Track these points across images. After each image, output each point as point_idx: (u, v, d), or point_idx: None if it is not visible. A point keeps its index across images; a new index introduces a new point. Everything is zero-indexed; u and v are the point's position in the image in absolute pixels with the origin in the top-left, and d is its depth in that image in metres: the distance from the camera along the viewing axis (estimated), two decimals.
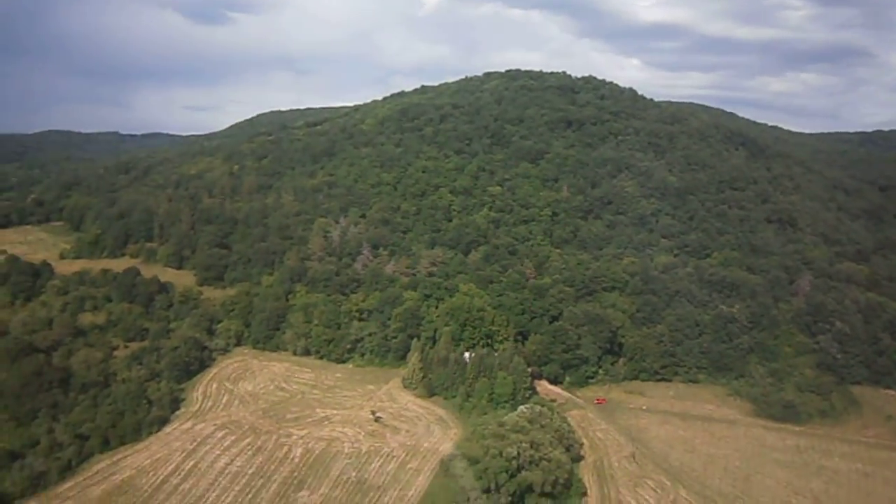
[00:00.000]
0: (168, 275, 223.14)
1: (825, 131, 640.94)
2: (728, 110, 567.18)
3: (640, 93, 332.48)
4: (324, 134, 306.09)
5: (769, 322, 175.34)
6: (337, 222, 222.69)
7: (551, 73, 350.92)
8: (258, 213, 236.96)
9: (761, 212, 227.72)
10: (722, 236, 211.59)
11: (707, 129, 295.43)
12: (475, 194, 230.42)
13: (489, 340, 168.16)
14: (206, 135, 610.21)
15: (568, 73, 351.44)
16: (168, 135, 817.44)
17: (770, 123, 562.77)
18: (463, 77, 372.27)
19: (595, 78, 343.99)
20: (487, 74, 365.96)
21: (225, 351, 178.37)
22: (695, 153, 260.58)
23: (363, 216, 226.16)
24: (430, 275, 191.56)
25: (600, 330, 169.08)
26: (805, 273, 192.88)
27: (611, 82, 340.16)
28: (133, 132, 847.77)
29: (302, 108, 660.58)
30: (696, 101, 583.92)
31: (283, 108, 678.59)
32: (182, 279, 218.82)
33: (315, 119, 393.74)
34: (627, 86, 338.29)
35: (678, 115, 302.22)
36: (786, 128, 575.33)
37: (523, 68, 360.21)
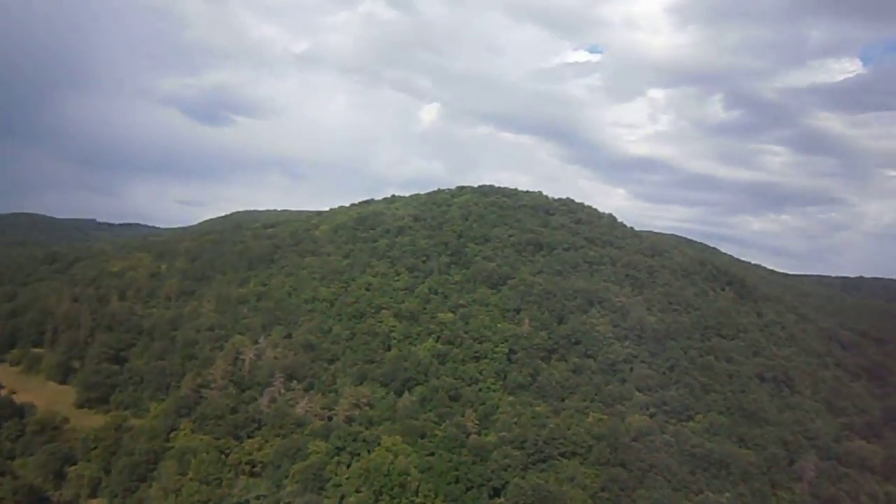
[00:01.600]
0: (43, 391, 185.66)
1: (806, 273, 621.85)
2: (710, 245, 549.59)
3: (619, 220, 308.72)
4: (271, 238, 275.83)
5: None
6: (255, 342, 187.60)
7: (526, 191, 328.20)
8: (167, 324, 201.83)
9: (753, 366, 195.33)
10: (707, 394, 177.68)
11: (691, 265, 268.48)
12: (422, 321, 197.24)
13: None
14: (182, 227, 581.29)
15: (545, 193, 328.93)
16: (146, 225, 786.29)
17: (751, 262, 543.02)
18: (435, 189, 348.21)
19: (572, 200, 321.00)
20: (460, 188, 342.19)
21: None
22: (677, 291, 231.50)
23: (288, 336, 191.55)
24: (349, 420, 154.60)
25: None
26: (808, 452, 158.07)
27: (588, 206, 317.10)
28: (111, 220, 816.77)
29: (279, 209, 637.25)
30: (678, 234, 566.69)
31: (260, 208, 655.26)
32: (58, 398, 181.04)
33: (274, 221, 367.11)
34: (607, 212, 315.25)
35: (659, 247, 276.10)
36: (767, 266, 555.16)
37: (497, 185, 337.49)
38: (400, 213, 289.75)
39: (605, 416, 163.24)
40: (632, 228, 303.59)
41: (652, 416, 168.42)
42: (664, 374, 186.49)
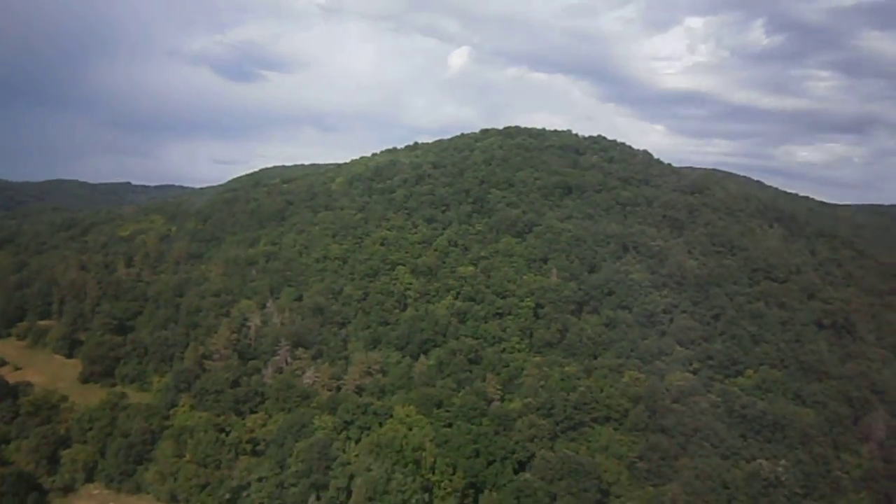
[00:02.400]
0: (48, 367, 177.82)
1: (857, 203, 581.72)
2: (754, 178, 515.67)
3: (656, 157, 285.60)
4: (285, 194, 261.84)
5: (830, 487, 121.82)
6: (263, 307, 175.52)
7: (554, 131, 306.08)
8: (172, 291, 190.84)
9: (808, 312, 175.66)
10: (758, 346, 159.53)
11: (735, 202, 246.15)
12: (440, 276, 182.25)
13: (426, 496, 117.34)
14: (210, 187, 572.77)
15: (574, 132, 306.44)
16: (181, 186, 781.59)
17: (799, 193, 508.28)
18: (458, 134, 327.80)
19: (604, 138, 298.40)
20: (484, 131, 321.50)
21: (68, 490, 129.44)
22: (721, 231, 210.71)
23: (298, 299, 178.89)
24: (359, 390, 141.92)
25: (585, 488, 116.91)
26: (876, 408, 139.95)
27: (622, 143, 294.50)
28: (147, 183, 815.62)
29: (306, 163, 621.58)
30: (720, 168, 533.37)
31: (288, 164, 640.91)
32: (63, 373, 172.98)
33: (293, 175, 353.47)
34: (642, 149, 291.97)
35: (700, 184, 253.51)
36: (816, 198, 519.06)
37: (524, 125, 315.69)
38: (419, 161, 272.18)
39: (643, 375, 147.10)
40: (669, 165, 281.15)
41: (695, 372, 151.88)
42: (708, 324, 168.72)
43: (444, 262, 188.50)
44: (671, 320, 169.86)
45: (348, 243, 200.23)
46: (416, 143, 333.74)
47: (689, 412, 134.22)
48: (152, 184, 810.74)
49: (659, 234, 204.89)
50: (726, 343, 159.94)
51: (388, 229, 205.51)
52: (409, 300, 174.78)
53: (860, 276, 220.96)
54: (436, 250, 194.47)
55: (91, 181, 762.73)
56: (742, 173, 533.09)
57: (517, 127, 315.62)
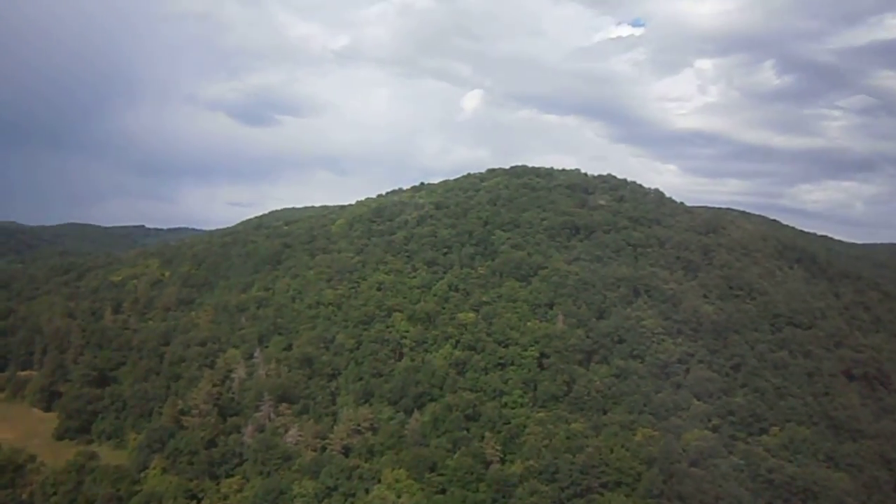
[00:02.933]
0: (23, 421, 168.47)
1: (874, 242, 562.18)
2: (770, 218, 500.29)
3: (668, 196, 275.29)
4: (284, 236, 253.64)
5: None
6: (250, 357, 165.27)
7: (562, 170, 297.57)
8: (158, 339, 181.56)
9: (836, 361, 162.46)
10: (783, 400, 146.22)
11: (752, 241, 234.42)
12: (439, 323, 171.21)
13: None
14: (219, 229, 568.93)
15: (583, 171, 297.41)
16: (194, 229, 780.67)
17: (817, 233, 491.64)
18: (465, 174, 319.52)
19: (614, 177, 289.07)
20: (491, 171, 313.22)
21: None
22: (738, 273, 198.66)
23: (287, 348, 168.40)
24: (346, 450, 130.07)
25: None
26: None
27: (632, 182, 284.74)
28: (161, 226, 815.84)
29: (317, 205, 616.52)
30: (733, 207, 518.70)
31: (298, 206, 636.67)
32: (38, 429, 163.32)
33: (298, 217, 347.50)
34: (653, 187, 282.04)
35: (714, 223, 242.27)
36: (834, 237, 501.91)
37: (531, 164, 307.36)
38: (422, 202, 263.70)
39: (657, 433, 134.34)
40: (682, 204, 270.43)
41: (715, 429, 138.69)
42: (727, 375, 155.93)
43: (443, 308, 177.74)
44: (687, 371, 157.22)
45: (343, 288, 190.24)
46: (421, 184, 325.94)
47: (709, 477, 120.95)
48: (165, 227, 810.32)
49: (672, 276, 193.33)
50: (748, 397, 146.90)
51: (386, 273, 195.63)
52: (405, 349, 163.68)
53: (890, 321, 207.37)
54: (435, 295, 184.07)
55: (105, 224, 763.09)
56: (755, 212, 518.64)
57: (524, 166, 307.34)
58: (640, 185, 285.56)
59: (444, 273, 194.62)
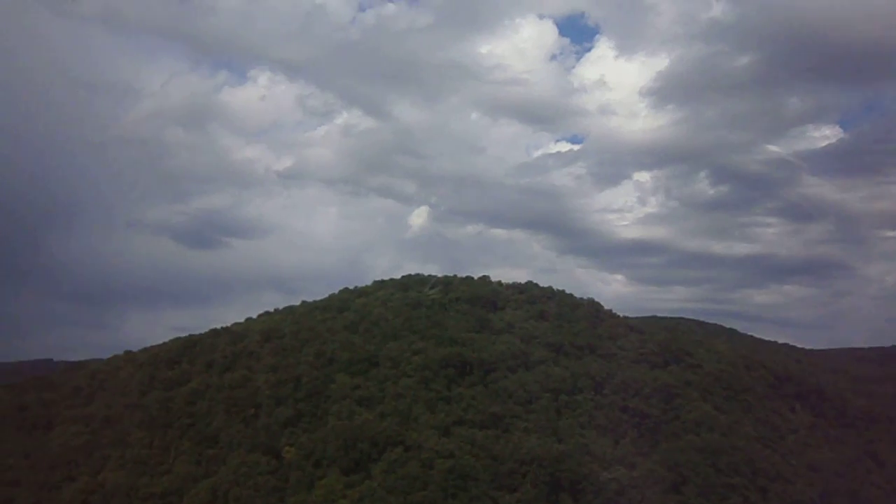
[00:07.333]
0: None
1: (820, 347, 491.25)
2: (726, 326, 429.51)
3: (614, 308, 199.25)
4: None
5: None
6: None
7: (465, 277, 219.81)
8: None
9: None
10: None
11: (734, 371, 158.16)
12: None
13: None
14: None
15: (492, 278, 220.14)
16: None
17: (777, 341, 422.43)
18: (342, 288, 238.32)
19: (535, 285, 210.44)
20: (378, 283, 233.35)
21: None
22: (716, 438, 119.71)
23: None
24: None
25: None
26: None
27: (560, 291, 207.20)
28: (101, 356, 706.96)
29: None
30: (682, 316, 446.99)
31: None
32: None
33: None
34: (587, 297, 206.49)
35: (673, 345, 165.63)
36: (796, 345, 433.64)
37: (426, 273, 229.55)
38: (265, 328, 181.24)
39: None
40: (626, 319, 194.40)
41: None
42: None
43: None
44: None
45: None
46: (302, 303, 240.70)
47: None
48: (105, 356, 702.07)
49: (615, 450, 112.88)
50: None
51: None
52: None
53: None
54: None
55: (56, 358, 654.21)
56: (704, 318, 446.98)
57: (418, 275, 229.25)
58: (571, 295, 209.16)
59: (217, 468, 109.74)
